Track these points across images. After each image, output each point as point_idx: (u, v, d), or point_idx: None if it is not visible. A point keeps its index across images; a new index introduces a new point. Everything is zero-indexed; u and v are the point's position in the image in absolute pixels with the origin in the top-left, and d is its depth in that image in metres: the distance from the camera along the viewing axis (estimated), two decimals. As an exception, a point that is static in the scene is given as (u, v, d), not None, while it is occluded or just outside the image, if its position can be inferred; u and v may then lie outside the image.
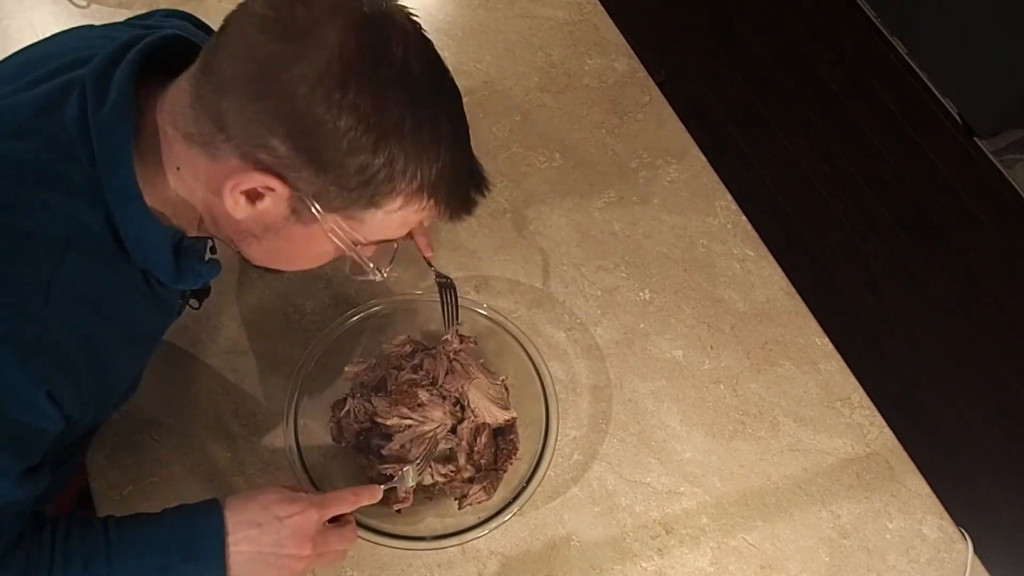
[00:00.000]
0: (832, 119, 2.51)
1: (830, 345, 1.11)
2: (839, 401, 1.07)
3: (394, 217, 0.68)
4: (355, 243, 0.70)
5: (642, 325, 1.10)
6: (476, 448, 0.95)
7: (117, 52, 0.66)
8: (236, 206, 0.64)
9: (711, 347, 1.09)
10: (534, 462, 0.91)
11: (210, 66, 0.62)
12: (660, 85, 1.33)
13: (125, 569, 0.73)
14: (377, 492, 0.85)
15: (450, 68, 0.66)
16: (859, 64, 2.63)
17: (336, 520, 0.83)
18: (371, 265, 0.74)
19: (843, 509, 0.99)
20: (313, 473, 0.89)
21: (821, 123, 2.50)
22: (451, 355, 0.99)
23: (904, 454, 1.03)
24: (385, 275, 0.76)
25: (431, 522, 0.92)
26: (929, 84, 2.57)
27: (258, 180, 0.62)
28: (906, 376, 2.09)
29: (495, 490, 0.93)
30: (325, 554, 0.81)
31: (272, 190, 0.63)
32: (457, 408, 0.97)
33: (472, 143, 0.70)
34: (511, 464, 0.95)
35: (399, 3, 0.64)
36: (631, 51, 1.36)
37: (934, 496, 1.01)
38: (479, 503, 0.92)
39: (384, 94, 0.60)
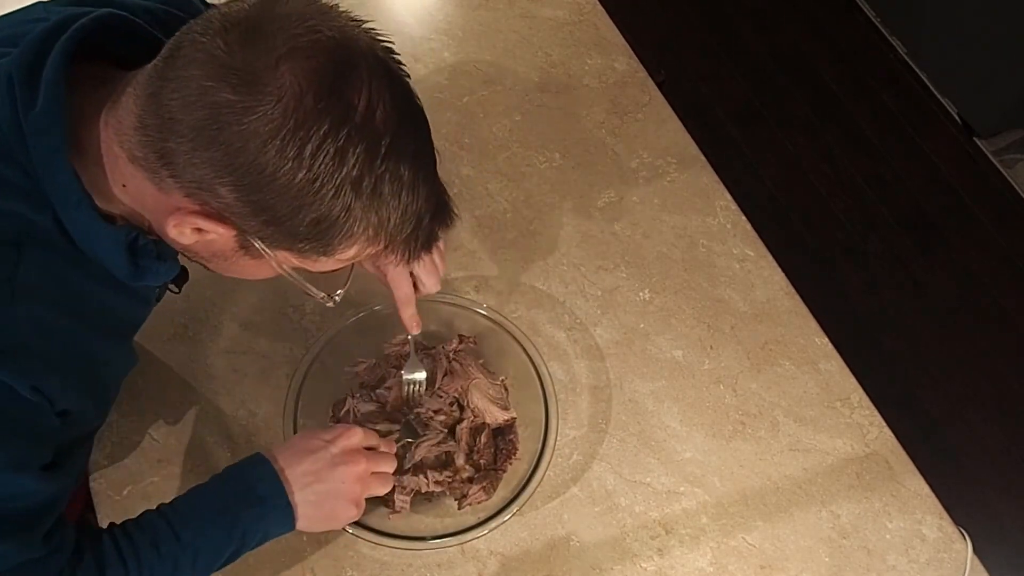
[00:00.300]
0: (832, 119, 2.51)
1: (830, 345, 1.11)
2: (839, 401, 1.07)
3: (348, 259, 0.66)
4: (306, 273, 0.68)
5: (642, 325, 1.10)
6: (476, 448, 0.95)
7: (44, 40, 0.60)
8: (182, 235, 0.61)
9: (711, 347, 1.09)
10: (534, 462, 0.91)
11: (157, 97, 0.56)
12: (660, 85, 1.33)
13: (197, 537, 0.75)
14: (391, 447, 0.89)
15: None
16: (859, 64, 2.63)
17: None
18: (321, 295, 0.73)
19: (843, 509, 0.99)
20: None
21: (821, 123, 2.50)
22: (451, 355, 1.00)
23: (904, 454, 1.03)
24: (338, 300, 0.75)
25: (431, 522, 0.92)
26: (929, 84, 2.57)
27: (202, 223, 0.59)
28: (906, 376, 2.09)
29: (495, 490, 0.93)
30: (377, 475, 0.84)
31: (218, 231, 0.60)
32: (456, 408, 0.97)
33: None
34: (511, 464, 0.95)
35: (367, 28, 0.59)
36: (631, 51, 1.36)
37: (934, 496, 1.01)
38: (479, 503, 0.92)
39: (342, 151, 0.55)
